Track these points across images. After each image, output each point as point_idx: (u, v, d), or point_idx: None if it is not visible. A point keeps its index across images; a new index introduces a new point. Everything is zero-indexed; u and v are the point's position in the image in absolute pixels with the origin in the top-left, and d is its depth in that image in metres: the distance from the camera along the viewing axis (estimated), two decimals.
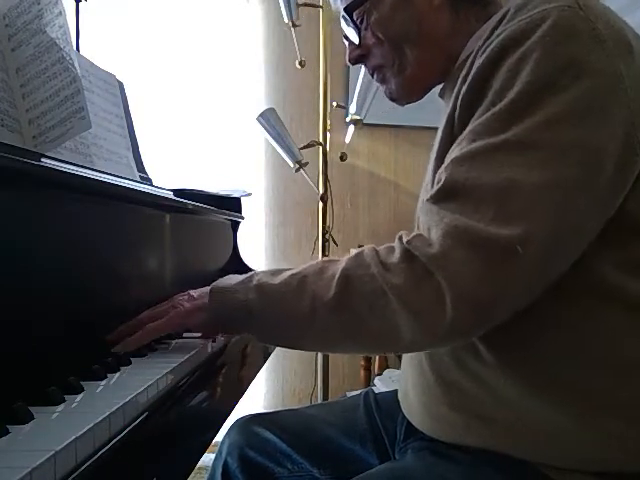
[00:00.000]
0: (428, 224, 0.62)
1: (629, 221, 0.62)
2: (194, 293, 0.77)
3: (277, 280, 0.69)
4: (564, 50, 0.59)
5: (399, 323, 0.60)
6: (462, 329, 0.60)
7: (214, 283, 0.75)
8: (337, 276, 0.64)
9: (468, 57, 0.71)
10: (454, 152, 0.64)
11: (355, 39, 0.82)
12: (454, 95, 0.69)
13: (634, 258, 0.63)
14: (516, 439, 0.66)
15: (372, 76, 0.85)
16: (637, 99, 0.60)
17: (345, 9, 0.80)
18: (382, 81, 0.84)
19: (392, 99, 0.85)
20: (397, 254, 0.62)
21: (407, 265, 0.61)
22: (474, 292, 0.57)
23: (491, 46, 0.64)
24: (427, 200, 0.64)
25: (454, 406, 0.70)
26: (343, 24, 0.83)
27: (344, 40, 0.86)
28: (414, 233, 0.63)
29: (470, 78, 0.65)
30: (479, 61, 0.65)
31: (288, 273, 0.70)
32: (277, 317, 0.69)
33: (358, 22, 0.80)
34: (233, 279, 0.74)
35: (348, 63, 0.86)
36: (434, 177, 0.69)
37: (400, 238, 0.64)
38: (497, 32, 0.65)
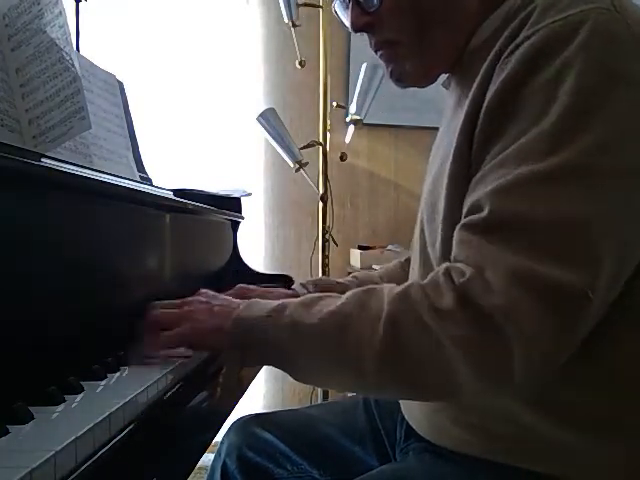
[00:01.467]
0: (477, 262, 0.55)
1: None
2: (215, 306, 0.68)
3: (313, 319, 0.61)
4: (607, 59, 0.55)
5: (458, 376, 0.55)
6: (527, 383, 0.57)
7: (238, 310, 0.66)
8: (383, 320, 0.57)
9: (480, 49, 0.67)
10: (496, 175, 0.57)
11: (373, 1, 0.68)
12: (472, 98, 0.64)
13: None
14: (518, 453, 0.65)
15: (376, 52, 0.74)
16: None
17: None
18: (390, 60, 0.73)
19: (397, 80, 0.75)
20: (451, 299, 0.55)
21: (467, 315, 0.54)
22: (544, 347, 0.54)
23: (521, 49, 0.58)
24: (463, 229, 0.59)
25: (456, 420, 0.69)
26: None
27: (342, 2, 0.74)
28: (467, 273, 0.55)
29: (500, 84, 0.60)
30: (509, 66, 0.59)
31: (325, 310, 0.61)
32: (314, 361, 0.62)
33: None
34: (260, 307, 0.65)
35: (350, 29, 0.73)
36: (451, 190, 0.65)
37: (448, 276, 0.57)
38: (525, 33, 0.59)
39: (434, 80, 0.76)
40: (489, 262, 0.55)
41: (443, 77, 0.79)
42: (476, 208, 0.58)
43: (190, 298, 0.72)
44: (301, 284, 1.00)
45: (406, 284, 0.61)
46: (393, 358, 0.57)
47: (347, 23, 0.74)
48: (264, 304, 0.66)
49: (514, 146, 0.57)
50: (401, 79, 0.74)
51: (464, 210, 0.61)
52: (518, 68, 0.58)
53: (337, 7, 0.78)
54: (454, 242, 0.61)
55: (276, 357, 0.64)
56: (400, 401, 0.85)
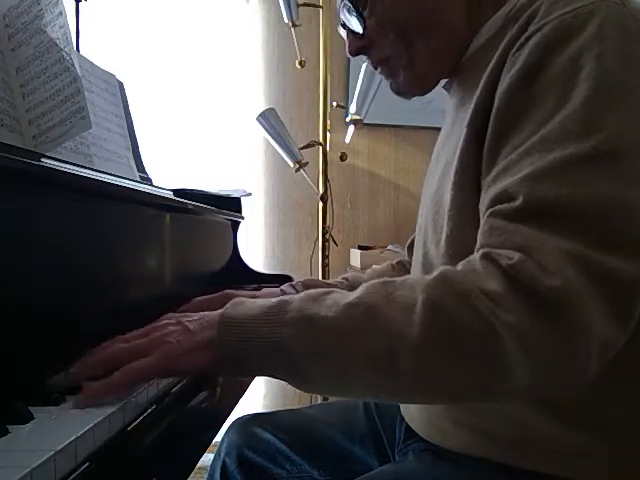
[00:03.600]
0: (520, 245, 0.51)
1: None
2: (189, 323, 0.58)
3: (328, 312, 0.53)
4: (624, 46, 0.56)
5: (514, 370, 0.49)
6: (589, 374, 0.52)
7: (224, 311, 0.57)
8: (419, 308, 0.50)
9: (483, 50, 0.67)
10: (526, 163, 0.55)
11: (358, 28, 0.74)
12: (479, 94, 0.64)
13: None
14: (520, 453, 0.65)
15: (375, 69, 0.79)
16: None
17: None
18: (388, 75, 0.78)
19: (398, 93, 0.78)
20: (501, 282, 0.50)
21: (521, 297, 0.49)
22: (604, 334, 0.50)
23: (533, 40, 0.59)
24: (494, 216, 0.55)
25: (458, 422, 0.69)
26: (344, 13, 0.76)
27: (342, 29, 0.78)
28: (515, 256, 0.50)
29: (514, 75, 0.59)
30: (522, 57, 0.59)
31: (341, 301, 0.54)
32: (334, 362, 0.53)
33: (361, 9, 0.73)
34: (250, 306, 0.57)
35: (348, 55, 0.78)
36: (459, 186, 0.64)
37: (490, 259, 0.52)
38: (534, 27, 0.60)
39: (431, 86, 0.78)
40: (535, 245, 0.50)
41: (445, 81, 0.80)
42: (506, 197, 0.55)
43: (156, 324, 0.60)
44: (290, 284, 0.99)
45: (438, 270, 0.54)
46: (434, 351, 0.50)
47: None
48: (254, 302, 0.57)
49: (540, 133, 0.55)
50: (400, 91, 0.78)
51: (486, 203, 0.58)
52: (532, 58, 0.58)
53: (341, 33, 0.81)
54: (481, 232, 0.57)
55: (279, 360, 0.54)
56: (401, 404, 0.85)
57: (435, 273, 0.54)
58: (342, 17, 0.76)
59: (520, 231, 0.52)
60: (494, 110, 0.61)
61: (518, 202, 0.53)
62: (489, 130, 0.61)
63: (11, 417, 0.46)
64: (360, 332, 0.51)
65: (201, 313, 0.60)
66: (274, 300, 0.56)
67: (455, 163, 0.66)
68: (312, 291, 0.57)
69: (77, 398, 0.51)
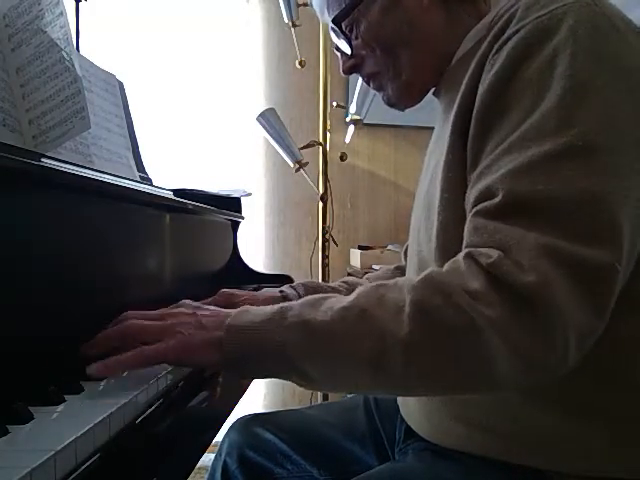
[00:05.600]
0: (500, 243, 0.54)
1: None
2: (203, 317, 0.61)
3: (324, 316, 0.56)
4: (596, 45, 0.58)
5: (495, 362, 0.52)
6: (569, 362, 0.54)
7: (231, 318, 0.60)
8: (407, 308, 0.54)
9: (467, 56, 0.70)
10: (505, 161, 0.57)
11: (347, 50, 0.80)
12: (462, 95, 0.66)
13: None
14: (518, 447, 0.65)
15: (368, 84, 0.84)
16: None
17: (333, 20, 0.78)
18: (379, 88, 0.83)
19: (390, 105, 0.83)
20: (480, 280, 0.53)
21: (499, 294, 0.52)
22: (580, 321, 0.52)
23: (510, 43, 0.61)
24: (477, 215, 0.58)
25: (456, 416, 0.70)
26: (333, 36, 0.82)
27: (336, 51, 0.84)
28: (494, 254, 0.53)
29: (493, 77, 0.62)
30: (499, 60, 0.62)
31: (336, 306, 0.57)
32: (330, 362, 0.56)
33: (347, 32, 0.79)
34: (255, 313, 0.60)
35: (342, 74, 0.84)
36: (446, 184, 0.66)
37: (472, 259, 0.55)
38: (511, 30, 0.62)
39: (419, 96, 0.82)
40: (513, 243, 0.53)
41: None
42: (487, 195, 0.58)
43: (173, 310, 0.65)
44: (290, 286, 0.99)
45: (425, 272, 0.57)
46: (422, 347, 0.53)
47: None
48: (258, 309, 0.60)
49: (518, 132, 0.58)
50: (391, 102, 0.83)
51: (471, 200, 0.60)
52: (509, 60, 0.61)
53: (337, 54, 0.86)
54: (466, 230, 0.59)
55: (282, 363, 0.57)
56: (399, 402, 0.85)
57: (422, 275, 0.57)
58: (333, 40, 0.82)
59: (499, 229, 0.55)
60: (475, 111, 0.63)
61: (498, 199, 0.56)
62: (471, 130, 0.64)
63: (11, 417, 0.46)
64: (353, 334, 0.55)
65: (215, 308, 0.65)
66: (276, 307, 0.60)
67: (442, 165, 0.68)
68: (310, 297, 0.61)
69: (91, 367, 0.56)
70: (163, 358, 0.59)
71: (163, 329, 0.60)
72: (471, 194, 0.61)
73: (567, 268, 0.51)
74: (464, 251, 0.57)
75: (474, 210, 0.59)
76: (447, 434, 0.71)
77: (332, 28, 0.80)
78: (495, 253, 0.54)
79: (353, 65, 0.82)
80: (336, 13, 0.78)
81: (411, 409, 0.79)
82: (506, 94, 0.60)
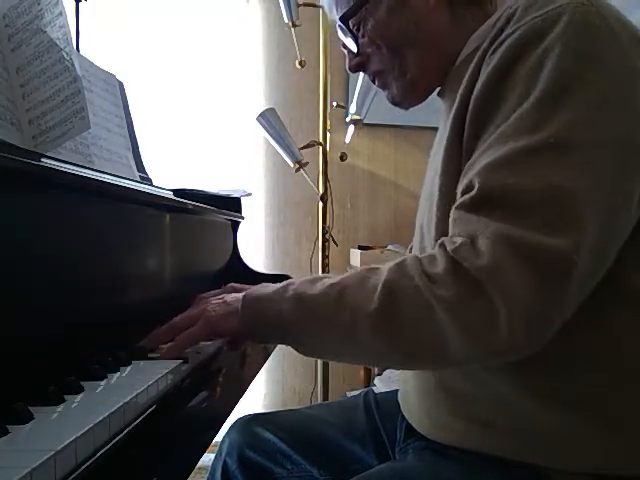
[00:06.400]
0: (469, 233, 0.59)
1: None
2: (228, 298, 0.74)
3: (315, 290, 0.65)
4: (584, 46, 0.59)
5: (447, 337, 0.57)
6: (516, 344, 0.57)
7: (247, 290, 0.72)
8: (379, 288, 0.60)
9: (470, 56, 0.71)
10: (485, 156, 0.61)
11: (353, 47, 0.82)
12: (461, 94, 0.68)
13: None
14: (517, 444, 0.65)
15: (373, 82, 0.85)
16: None
17: (341, 18, 0.80)
18: (383, 86, 0.84)
19: (394, 103, 0.84)
20: (442, 264, 0.58)
21: (455, 277, 0.57)
22: (529, 306, 0.55)
23: (506, 44, 0.63)
24: (457, 208, 0.62)
25: (455, 412, 0.70)
26: (340, 34, 0.83)
27: (343, 49, 0.86)
28: (459, 241, 0.59)
29: (486, 77, 0.64)
30: (494, 60, 0.63)
31: (327, 282, 0.66)
32: (314, 330, 0.66)
33: (355, 30, 0.80)
34: (268, 287, 0.71)
35: (348, 71, 0.86)
36: (445, 178, 0.68)
37: (442, 246, 0.60)
38: (508, 31, 0.64)
39: (423, 95, 0.83)
40: (479, 231, 0.58)
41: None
42: (468, 189, 0.61)
43: (206, 296, 0.79)
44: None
45: (402, 257, 0.64)
46: (387, 322, 0.60)
47: None
48: (272, 285, 0.71)
49: (500, 129, 0.61)
50: (395, 101, 0.84)
51: (458, 196, 0.64)
52: (502, 61, 0.63)
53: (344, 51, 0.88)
54: (450, 223, 0.63)
55: (281, 328, 0.67)
56: (399, 399, 0.86)
57: (399, 259, 0.64)
58: (340, 38, 0.83)
59: (471, 220, 0.59)
60: (469, 111, 0.66)
61: (473, 192, 0.60)
62: (465, 130, 0.66)
63: (11, 417, 0.46)
64: (333, 307, 0.63)
65: (241, 289, 0.77)
66: (284, 282, 0.70)
67: (440, 163, 0.70)
68: (313, 275, 0.72)
69: (162, 351, 0.71)
70: (199, 335, 0.72)
71: (198, 314, 0.73)
72: (459, 189, 0.64)
73: (522, 255, 0.54)
74: (440, 240, 0.62)
75: (456, 203, 0.63)
76: (446, 430, 0.71)
77: (339, 26, 0.81)
78: (460, 240, 0.59)
79: (359, 63, 0.83)
80: (344, 11, 0.80)
81: (412, 406, 0.79)
82: (496, 95, 0.62)
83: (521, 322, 0.55)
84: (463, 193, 0.62)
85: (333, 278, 0.66)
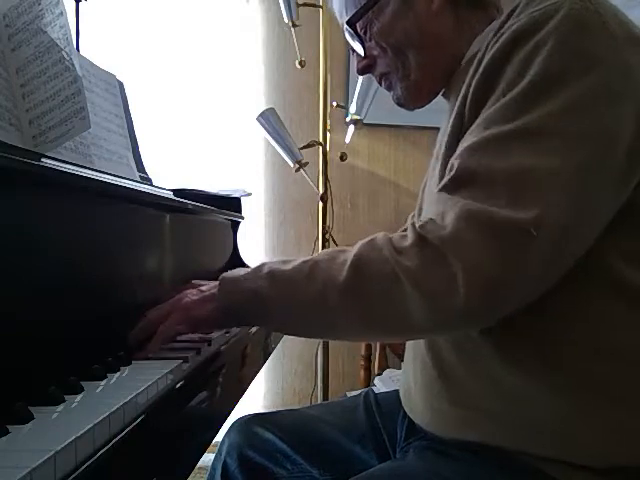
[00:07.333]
0: (441, 211, 0.62)
1: (637, 213, 0.63)
2: (202, 286, 0.76)
3: (288, 267, 0.69)
4: (576, 41, 0.60)
5: (411, 306, 0.60)
6: (475, 313, 0.60)
7: (222, 275, 0.74)
8: (349, 261, 0.64)
9: (475, 56, 0.71)
10: (467, 141, 0.64)
11: (360, 50, 0.84)
12: (463, 90, 0.69)
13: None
14: (516, 433, 0.66)
15: (380, 84, 0.87)
16: None
17: (348, 22, 0.82)
18: (389, 88, 0.86)
19: (400, 104, 0.86)
20: (410, 238, 0.62)
21: (420, 248, 0.60)
22: (487, 274, 0.57)
23: (502, 37, 0.65)
24: (439, 191, 0.64)
25: (455, 401, 0.71)
26: (348, 37, 0.85)
27: (351, 52, 0.88)
28: (427, 218, 0.63)
29: (482, 69, 0.66)
30: (490, 53, 0.65)
31: (300, 260, 0.69)
32: (288, 303, 0.68)
33: (362, 33, 0.82)
34: (242, 270, 0.73)
35: (357, 74, 0.89)
36: (444, 171, 0.70)
37: (413, 224, 0.64)
38: (508, 24, 0.66)
39: (429, 97, 0.85)
40: (448, 209, 0.61)
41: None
42: (449, 171, 0.65)
43: (180, 288, 0.79)
44: None
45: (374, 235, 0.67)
46: (354, 292, 0.63)
47: None
48: (245, 269, 0.74)
49: (484, 114, 0.64)
50: (400, 102, 0.86)
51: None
52: (497, 53, 0.65)
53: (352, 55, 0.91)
54: None
55: (258, 306, 0.69)
56: (402, 396, 0.86)
57: (371, 236, 0.67)
58: (348, 41, 0.86)
59: (445, 199, 0.62)
60: (467, 106, 0.68)
61: (452, 173, 0.63)
62: (463, 127, 0.69)
63: (11, 417, 0.46)
64: (304, 280, 0.66)
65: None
66: (258, 264, 0.72)
67: (441, 158, 0.73)
68: (286, 257, 0.73)
69: (138, 355, 0.70)
70: (175, 326, 0.72)
71: (171, 305, 0.74)
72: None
73: (483, 226, 0.58)
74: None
75: (439, 186, 0.65)
76: (447, 420, 0.72)
77: (347, 29, 0.83)
78: (429, 218, 0.63)
79: (366, 65, 0.85)
80: (351, 15, 0.82)
81: (413, 399, 0.80)
82: (491, 84, 0.65)
83: (479, 290, 0.57)
84: (446, 176, 0.65)
85: (307, 257, 0.70)
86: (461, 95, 0.70)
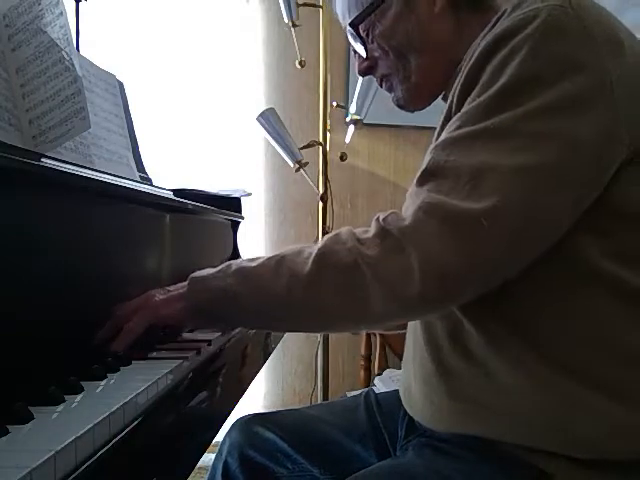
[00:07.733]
0: (408, 204, 0.65)
1: (613, 210, 0.64)
2: (170, 287, 0.77)
3: (255, 263, 0.70)
4: (551, 47, 0.62)
5: (370, 294, 0.62)
6: (431, 300, 0.63)
7: (192, 274, 0.75)
8: (314, 254, 0.66)
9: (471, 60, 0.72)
10: (441, 138, 0.67)
11: (362, 52, 0.85)
12: (452, 92, 0.71)
13: (620, 246, 0.64)
14: (512, 425, 0.66)
15: (380, 85, 0.88)
16: (624, 95, 0.61)
17: (351, 24, 0.83)
18: (389, 89, 0.87)
19: (400, 106, 0.88)
20: (372, 230, 0.65)
21: (381, 239, 0.63)
22: (441, 263, 0.60)
23: (484, 41, 0.67)
24: (413, 185, 0.67)
25: (453, 394, 0.71)
26: (350, 39, 0.86)
27: (352, 53, 0.89)
28: (389, 211, 0.66)
29: (465, 72, 0.68)
30: (475, 56, 0.67)
31: (266, 256, 0.71)
32: (255, 298, 0.69)
33: (364, 35, 0.84)
34: (210, 270, 0.74)
35: (358, 75, 0.90)
36: None
37: (377, 217, 0.66)
38: (494, 29, 0.67)
39: (429, 99, 0.87)
40: (412, 202, 0.64)
41: None
42: (421, 166, 0.67)
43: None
44: None
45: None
46: (316, 283, 0.65)
47: None
48: (213, 268, 0.74)
49: (458, 115, 0.66)
50: (401, 104, 0.87)
51: None
52: (480, 56, 0.66)
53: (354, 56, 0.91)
54: None
55: (226, 303, 0.70)
56: (402, 393, 0.86)
57: (335, 231, 0.69)
58: (351, 43, 0.87)
59: (414, 192, 0.66)
60: (453, 104, 0.70)
61: (423, 167, 0.66)
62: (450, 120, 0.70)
63: (11, 417, 0.46)
64: (271, 274, 0.68)
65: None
66: (225, 263, 0.73)
67: None
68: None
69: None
70: (144, 322, 0.72)
71: (138, 304, 0.74)
72: None
73: (440, 217, 0.60)
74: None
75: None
76: (446, 415, 0.72)
77: (349, 31, 0.84)
78: (391, 211, 0.66)
79: (368, 67, 0.87)
80: (354, 17, 0.83)
81: (413, 396, 0.80)
82: (467, 90, 0.67)
83: (434, 278, 0.60)
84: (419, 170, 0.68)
85: (272, 254, 0.71)
86: (449, 97, 0.72)
